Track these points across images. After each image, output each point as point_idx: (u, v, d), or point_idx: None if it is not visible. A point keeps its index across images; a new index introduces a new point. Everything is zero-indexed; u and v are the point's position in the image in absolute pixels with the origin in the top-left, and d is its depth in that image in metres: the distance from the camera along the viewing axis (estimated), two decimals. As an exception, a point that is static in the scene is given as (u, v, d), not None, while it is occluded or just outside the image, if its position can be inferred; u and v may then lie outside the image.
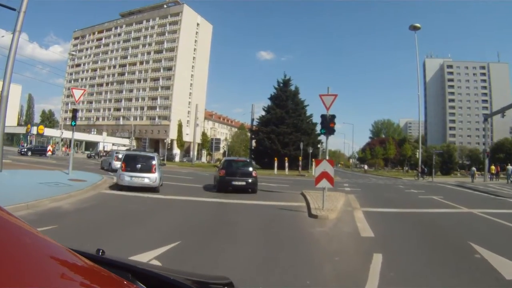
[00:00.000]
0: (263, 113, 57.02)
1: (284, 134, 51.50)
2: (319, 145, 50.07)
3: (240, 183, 16.38)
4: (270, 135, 51.39)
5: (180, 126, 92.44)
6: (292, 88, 56.95)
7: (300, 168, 35.58)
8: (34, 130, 67.70)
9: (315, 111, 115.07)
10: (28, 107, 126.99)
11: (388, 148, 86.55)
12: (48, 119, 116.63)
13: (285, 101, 54.13)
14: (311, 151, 46.64)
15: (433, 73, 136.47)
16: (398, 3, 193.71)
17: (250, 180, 16.59)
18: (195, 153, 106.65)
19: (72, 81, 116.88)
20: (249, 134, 62.62)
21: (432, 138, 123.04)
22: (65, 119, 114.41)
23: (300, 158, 35.29)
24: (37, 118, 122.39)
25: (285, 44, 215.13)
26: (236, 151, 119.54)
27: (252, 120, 56.93)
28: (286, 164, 34.45)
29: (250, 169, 17.27)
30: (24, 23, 16.02)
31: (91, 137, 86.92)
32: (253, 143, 58.41)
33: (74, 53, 58.08)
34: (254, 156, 57.08)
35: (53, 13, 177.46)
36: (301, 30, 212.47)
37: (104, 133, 51.56)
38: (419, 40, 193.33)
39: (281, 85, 56.55)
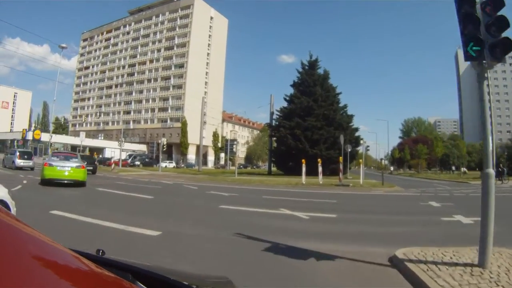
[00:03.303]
0: (285, 104, 45.50)
1: (312, 128, 39.70)
2: (361, 142, 37.95)
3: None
4: (294, 130, 39.64)
5: (184, 124, 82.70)
6: (321, 71, 45.28)
7: (341, 174, 23.96)
8: (29, 135, 63.36)
9: (349, 101, 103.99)
10: (43, 115, 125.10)
11: (435, 146, 73.67)
12: (62, 126, 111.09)
13: (312, 87, 42.34)
14: (349, 150, 35.18)
15: (467, 65, 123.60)
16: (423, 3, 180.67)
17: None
18: (212, 157, 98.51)
19: (81, 85, 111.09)
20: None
21: (469, 136, 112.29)
22: (74, 124, 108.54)
23: (341, 159, 23.85)
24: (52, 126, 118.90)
25: (307, 47, 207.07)
26: (258, 155, 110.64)
27: (272, 114, 45.80)
28: (320, 169, 22.85)
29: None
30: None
31: (97, 142, 79.20)
32: (274, 142, 47.15)
33: (64, 45, 48.30)
34: (275, 159, 45.73)
35: (69, 19, 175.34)
36: (323, 32, 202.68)
37: (82, 134, 41.32)
38: (448, 30, 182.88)
39: (307, 67, 44.80)
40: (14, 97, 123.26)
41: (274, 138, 45.61)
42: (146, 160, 57.14)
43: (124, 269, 1.06)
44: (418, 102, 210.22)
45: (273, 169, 46.93)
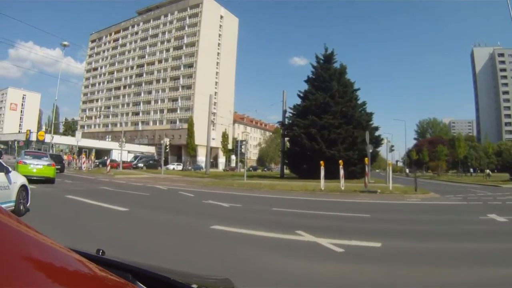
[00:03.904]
0: (298, 101, 41.89)
1: (329, 127, 36.06)
2: (385, 141, 34.04)
3: None
4: (309, 129, 36.00)
5: (191, 124, 79.68)
6: (337, 65, 41.61)
7: (367, 178, 20.44)
8: (33, 136, 61.26)
9: (367, 98, 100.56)
10: (54, 117, 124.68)
11: (457, 146, 69.03)
12: (71, 128, 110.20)
13: (328, 82, 38.70)
14: (370, 150, 31.80)
15: (483, 64, 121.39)
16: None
17: None
18: (223, 160, 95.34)
19: (90, 86, 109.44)
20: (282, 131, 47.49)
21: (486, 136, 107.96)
22: (83, 126, 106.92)
23: (367, 160, 20.47)
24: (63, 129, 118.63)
25: (319, 49, 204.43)
26: (270, 157, 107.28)
27: (284, 111, 42.39)
28: (342, 173, 19.38)
29: None
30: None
31: (103, 144, 76.72)
32: (287, 143, 43.61)
33: (66, 43, 46.19)
34: (288, 160, 42.24)
35: (78, 20, 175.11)
36: (336, 34, 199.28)
37: (78, 134, 38.57)
38: (464, 29, 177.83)
39: (322, 61, 41.13)
40: (23, 99, 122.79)
41: (287, 138, 42.13)
42: (150, 162, 54.00)
43: (124, 269, 1.06)
44: (430, 104, 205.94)
45: (286, 171, 43.57)
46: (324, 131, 35.86)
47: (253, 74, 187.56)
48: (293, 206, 12.55)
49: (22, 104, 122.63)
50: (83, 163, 34.20)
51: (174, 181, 25.32)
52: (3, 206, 4.36)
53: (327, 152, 34.11)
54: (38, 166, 16.88)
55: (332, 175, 23.16)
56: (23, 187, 8.29)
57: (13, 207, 7.78)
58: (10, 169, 7.94)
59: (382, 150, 46.60)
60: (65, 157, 52.32)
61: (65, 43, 52.97)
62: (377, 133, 41.77)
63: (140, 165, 50.67)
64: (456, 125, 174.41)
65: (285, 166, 43.47)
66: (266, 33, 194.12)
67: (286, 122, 41.63)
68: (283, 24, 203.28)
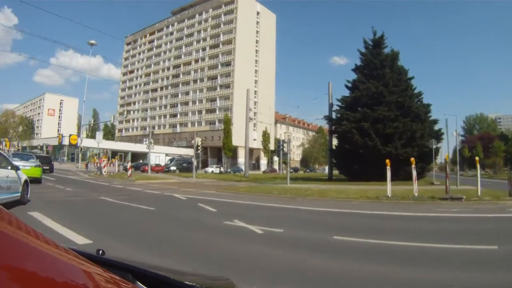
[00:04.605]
0: (346, 93, 36.92)
1: (384, 120, 30.82)
2: (453, 134, 28.42)
3: None
4: (361, 123, 30.83)
5: (227, 123, 75.71)
6: (387, 51, 36.21)
7: (448, 181, 15.28)
8: (66, 140, 63.11)
9: (422, 88, 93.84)
10: (93, 122, 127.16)
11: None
12: (110, 132, 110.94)
13: (379, 69, 33.42)
14: (434, 147, 26.92)
15: None
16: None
17: None
18: (265, 161, 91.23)
19: (126, 89, 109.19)
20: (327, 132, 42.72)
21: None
22: (121, 130, 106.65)
23: (447, 156, 15.62)
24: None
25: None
26: (314, 158, 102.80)
27: (331, 105, 37.69)
28: (414, 174, 14.30)
29: None
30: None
31: (139, 147, 74.78)
32: (334, 140, 38.75)
33: (93, 41, 44.35)
34: (336, 160, 37.49)
35: (117, 27, 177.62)
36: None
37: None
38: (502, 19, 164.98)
39: (370, 46, 35.78)
40: (60, 104, 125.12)
41: (335, 135, 37.20)
42: (184, 165, 50.38)
43: (124, 269, 1.06)
44: (473, 98, 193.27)
45: (334, 172, 38.90)
46: (378, 124, 30.69)
47: (293, 74, 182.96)
48: (364, 228, 8.04)
49: (60, 109, 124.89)
50: (104, 166, 31.12)
51: (203, 187, 21.36)
52: (14, 195, 9.54)
53: (383, 149, 29.05)
54: (26, 167, 16.94)
55: (392, 176, 18.51)
56: (25, 182, 10.33)
57: (19, 197, 9.85)
58: (19, 167, 10.22)
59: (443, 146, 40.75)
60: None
61: (92, 41, 51.16)
62: (438, 127, 36.48)
63: (173, 168, 47.31)
64: (502, 120, 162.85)
65: (332, 167, 38.72)
66: (304, 32, 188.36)
67: (334, 117, 36.75)
68: (321, 23, 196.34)
